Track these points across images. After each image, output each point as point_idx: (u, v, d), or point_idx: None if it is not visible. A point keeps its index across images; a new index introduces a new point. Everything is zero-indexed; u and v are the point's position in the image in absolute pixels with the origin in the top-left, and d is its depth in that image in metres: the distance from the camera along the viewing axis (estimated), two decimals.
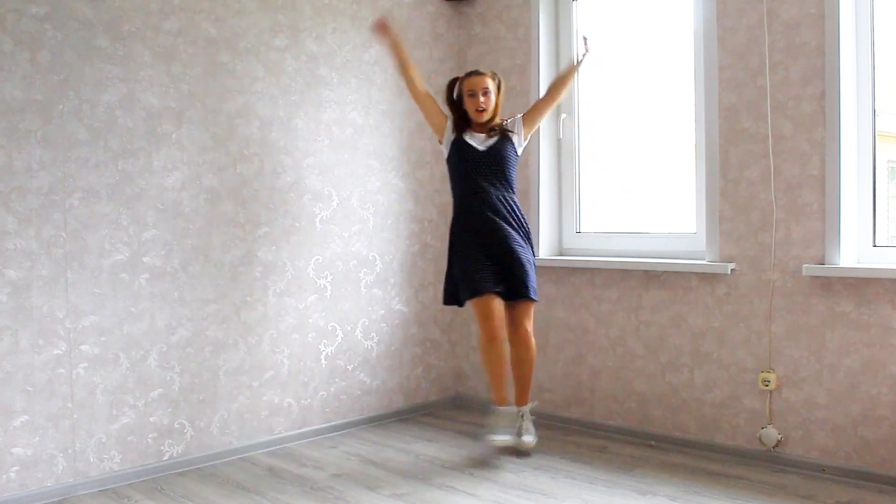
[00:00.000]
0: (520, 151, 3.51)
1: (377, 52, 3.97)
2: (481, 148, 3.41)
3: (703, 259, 3.47)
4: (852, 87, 3.08)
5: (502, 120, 3.52)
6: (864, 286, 3.00)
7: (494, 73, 3.49)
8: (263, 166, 3.54)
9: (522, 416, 3.45)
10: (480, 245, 3.36)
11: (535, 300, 3.41)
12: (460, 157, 3.43)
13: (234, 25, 3.43)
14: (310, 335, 3.74)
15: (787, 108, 3.17)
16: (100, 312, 3.07)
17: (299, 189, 3.67)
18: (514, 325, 3.42)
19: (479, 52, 4.27)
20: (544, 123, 4.02)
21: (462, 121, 3.47)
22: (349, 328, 3.89)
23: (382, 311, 4.02)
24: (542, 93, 3.75)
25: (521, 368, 3.46)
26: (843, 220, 3.05)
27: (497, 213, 3.38)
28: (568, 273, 3.91)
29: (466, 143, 3.42)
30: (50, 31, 2.93)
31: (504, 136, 3.46)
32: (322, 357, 3.79)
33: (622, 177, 4.36)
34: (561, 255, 4.10)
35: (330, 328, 3.82)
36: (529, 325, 3.43)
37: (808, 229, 3.13)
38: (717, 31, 3.35)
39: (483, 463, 3.33)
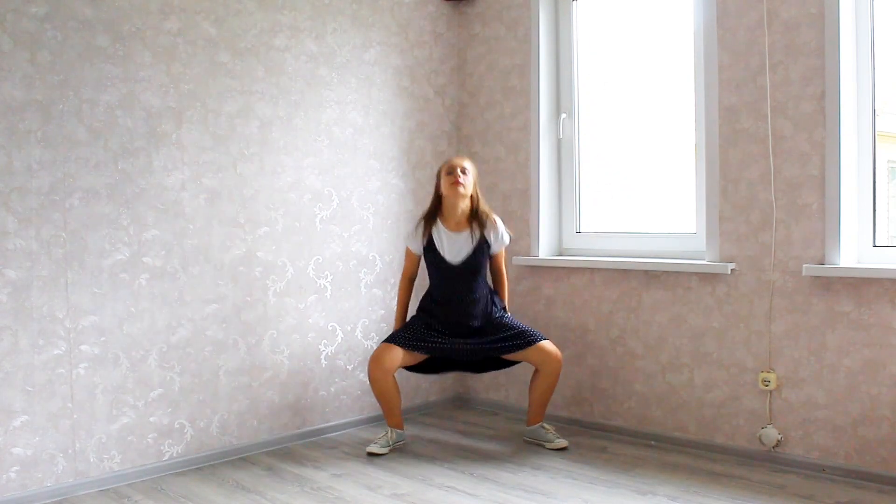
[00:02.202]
0: (490, 253, 3.56)
1: (377, 52, 3.97)
2: (455, 262, 3.47)
3: (703, 259, 3.47)
4: (852, 87, 3.08)
5: (485, 217, 3.51)
6: (864, 286, 3.00)
7: (473, 165, 3.53)
8: (263, 166, 3.54)
9: (544, 428, 3.58)
10: (441, 332, 3.49)
11: (543, 339, 3.48)
12: (434, 266, 3.53)
13: (234, 25, 3.43)
14: (310, 335, 3.74)
15: (787, 108, 3.17)
16: (100, 312, 3.07)
17: (299, 189, 3.67)
18: (547, 363, 3.49)
19: (479, 52, 4.27)
20: (545, 123, 4.03)
21: (433, 209, 3.53)
22: (349, 328, 3.89)
23: (382, 311, 4.02)
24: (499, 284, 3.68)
25: (545, 389, 3.53)
26: (843, 220, 3.05)
27: (469, 316, 3.48)
28: (568, 273, 3.91)
29: (439, 255, 3.48)
30: (50, 31, 2.92)
31: (481, 240, 3.49)
32: (322, 357, 3.79)
33: (622, 177, 4.36)
34: (561, 255, 4.10)
35: (330, 328, 3.82)
36: (558, 354, 3.51)
37: (808, 229, 3.13)
38: (717, 31, 3.35)
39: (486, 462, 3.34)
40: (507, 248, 3.85)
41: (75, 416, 3.01)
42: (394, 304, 4.03)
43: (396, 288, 4.04)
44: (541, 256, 4.02)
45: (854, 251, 3.11)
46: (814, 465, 3.13)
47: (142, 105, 3.16)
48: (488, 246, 3.52)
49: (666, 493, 2.95)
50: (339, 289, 3.84)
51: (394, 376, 3.47)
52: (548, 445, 3.52)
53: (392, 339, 3.47)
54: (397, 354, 3.44)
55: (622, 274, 3.70)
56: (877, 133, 3.10)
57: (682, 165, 3.83)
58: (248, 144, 3.49)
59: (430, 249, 3.52)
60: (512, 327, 3.49)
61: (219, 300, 3.41)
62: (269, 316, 3.58)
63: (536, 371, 3.53)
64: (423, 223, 3.55)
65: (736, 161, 3.32)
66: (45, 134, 2.92)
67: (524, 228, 4.08)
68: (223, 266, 3.42)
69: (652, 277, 3.60)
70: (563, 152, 4.09)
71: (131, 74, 3.13)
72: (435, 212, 3.55)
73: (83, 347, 3.03)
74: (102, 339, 3.07)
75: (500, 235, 3.55)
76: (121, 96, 3.10)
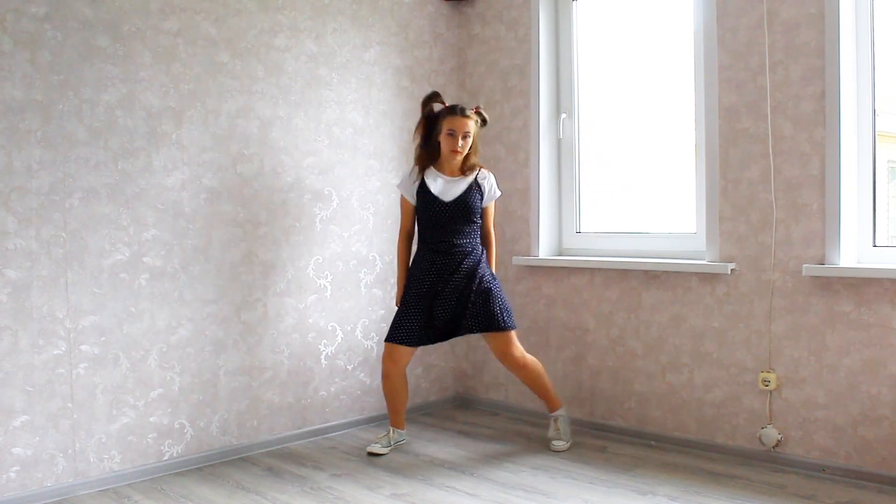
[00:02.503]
0: (482, 204, 3.52)
1: (377, 52, 3.97)
2: (447, 199, 3.43)
3: (703, 259, 3.47)
4: (852, 87, 3.08)
5: (478, 167, 3.50)
6: (864, 286, 3.00)
7: (480, 114, 3.46)
8: (263, 166, 3.54)
9: (555, 421, 3.58)
10: (432, 292, 3.42)
11: (506, 329, 3.43)
12: (426, 208, 3.46)
13: (234, 25, 3.43)
14: (310, 335, 3.74)
15: (787, 108, 3.17)
16: (100, 312, 3.07)
17: (299, 189, 3.67)
18: (499, 357, 3.51)
19: (479, 52, 4.27)
20: (545, 123, 4.03)
21: (428, 155, 3.48)
22: (349, 328, 3.89)
23: (382, 311, 4.02)
24: (488, 239, 3.61)
25: (531, 385, 3.58)
26: (843, 220, 3.05)
27: (459, 262, 3.43)
28: (568, 273, 3.91)
29: (431, 194, 3.43)
30: (50, 31, 2.92)
31: (474, 183, 3.47)
32: (322, 357, 3.79)
33: (622, 177, 4.36)
34: (561, 255, 4.10)
35: (330, 328, 3.82)
36: (515, 352, 3.48)
37: (808, 229, 3.13)
38: (717, 31, 3.35)
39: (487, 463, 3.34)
40: (506, 248, 3.85)
41: (75, 416, 3.01)
42: (394, 304, 4.03)
43: (396, 288, 4.05)
44: (541, 256, 4.02)
45: (854, 251, 3.11)
46: (814, 465, 3.13)
47: (142, 105, 3.16)
48: (481, 194, 3.48)
49: (666, 493, 2.95)
50: (339, 289, 3.84)
51: (405, 375, 3.49)
52: (550, 445, 3.52)
53: (394, 339, 3.44)
54: (405, 351, 3.44)
55: (622, 274, 3.70)
56: (877, 133, 3.10)
57: (682, 165, 3.83)
58: (248, 144, 3.49)
59: (422, 191, 3.45)
60: (489, 303, 3.40)
61: (219, 300, 3.41)
62: (269, 316, 3.58)
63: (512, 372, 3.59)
64: (416, 169, 3.49)
65: (736, 161, 3.32)
66: (45, 134, 2.92)
67: (524, 228, 4.08)
68: (223, 266, 3.42)
69: (652, 277, 3.60)
70: (563, 152, 4.09)
71: (131, 74, 3.13)
72: (430, 158, 3.47)
73: (83, 347, 3.03)
74: (102, 339, 3.07)
75: (493, 187, 3.53)
76: (121, 96, 3.10)
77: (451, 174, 3.47)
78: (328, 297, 3.80)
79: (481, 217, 3.53)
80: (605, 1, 4.03)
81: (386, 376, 3.48)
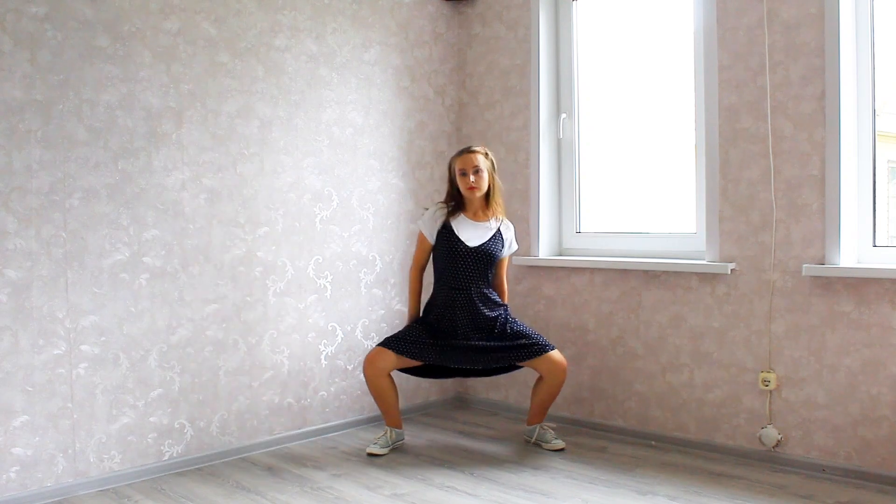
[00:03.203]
0: (501, 255, 3.57)
1: (377, 52, 3.97)
2: (471, 245, 3.46)
3: (703, 259, 3.47)
4: (852, 87, 3.08)
5: (502, 214, 3.57)
6: (864, 286, 3.00)
7: (487, 152, 3.51)
8: (263, 166, 3.54)
9: (543, 428, 3.58)
10: (446, 328, 3.47)
11: (552, 348, 3.46)
12: (448, 251, 3.48)
13: (234, 25, 3.43)
14: (310, 335, 3.74)
15: (787, 108, 3.17)
16: (100, 312, 3.07)
17: (299, 189, 3.67)
18: (559, 373, 3.47)
19: (479, 52, 4.27)
20: (545, 123, 4.03)
21: (456, 203, 3.53)
22: (349, 328, 3.89)
23: (382, 311, 4.02)
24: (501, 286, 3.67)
25: (550, 392, 3.52)
26: (843, 220, 3.05)
27: (480, 308, 3.46)
28: (568, 273, 3.91)
29: (456, 237, 3.47)
30: (50, 31, 2.92)
31: (498, 232, 3.54)
32: (322, 357, 3.79)
33: (622, 177, 4.36)
34: (561, 255, 4.10)
35: (330, 328, 3.82)
36: (561, 366, 3.48)
37: (808, 229, 3.13)
38: (717, 31, 3.35)
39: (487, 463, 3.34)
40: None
41: (75, 416, 3.01)
42: (394, 304, 4.04)
43: (396, 288, 4.05)
44: (541, 256, 4.02)
45: (854, 251, 3.11)
46: (814, 465, 3.13)
47: (142, 105, 3.16)
48: (503, 244, 3.55)
49: (666, 493, 2.95)
50: (339, 289, 3.84)
51: (390, 376, 3.47)
52: (545, 446, 3.52)
53: (386, 344, 3.45)
54: (390, 357, 3.43)
55: (622, 274, 3.70)
56: (877, 133, 3.10)
57: (682, 165, 3.83)
58: (248, 144, 3.49)
59: (445, 233, 3.48)
60: (520, 335, 3.46)
61: (219, 300, 3.41)
62: (269, 316, 3.58)
63: (541, 377, 3.52)
64: (443, 210, 3.52)
65: (736, 161, 3.32)
66: (45, 134, 2.92)
67: (524, 228, 4.07)
68: (223, 266, 3.42)
69: (652, 277, 3.60)
70: (563, 152, 4.09)
71: (131, 74, 3.13)
72: (457, 204, 3.53)
73: (83, 347, 3.03)
74: (102, 339, 3.07)
75: (512, 241, 3.62)
76: (121, 96, 3.10)
77: (476, 217, 3.52)
78: (328, 297, 3.80)
79: (495, 266, 3.58)
80: (605, 1, 4.03)
81: (367, 379, 3.47)
